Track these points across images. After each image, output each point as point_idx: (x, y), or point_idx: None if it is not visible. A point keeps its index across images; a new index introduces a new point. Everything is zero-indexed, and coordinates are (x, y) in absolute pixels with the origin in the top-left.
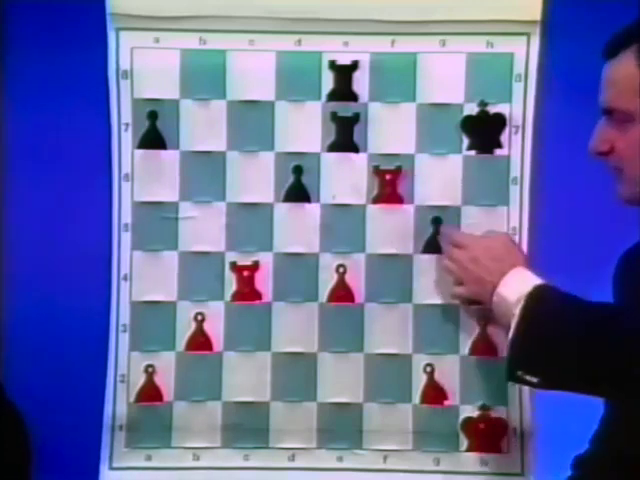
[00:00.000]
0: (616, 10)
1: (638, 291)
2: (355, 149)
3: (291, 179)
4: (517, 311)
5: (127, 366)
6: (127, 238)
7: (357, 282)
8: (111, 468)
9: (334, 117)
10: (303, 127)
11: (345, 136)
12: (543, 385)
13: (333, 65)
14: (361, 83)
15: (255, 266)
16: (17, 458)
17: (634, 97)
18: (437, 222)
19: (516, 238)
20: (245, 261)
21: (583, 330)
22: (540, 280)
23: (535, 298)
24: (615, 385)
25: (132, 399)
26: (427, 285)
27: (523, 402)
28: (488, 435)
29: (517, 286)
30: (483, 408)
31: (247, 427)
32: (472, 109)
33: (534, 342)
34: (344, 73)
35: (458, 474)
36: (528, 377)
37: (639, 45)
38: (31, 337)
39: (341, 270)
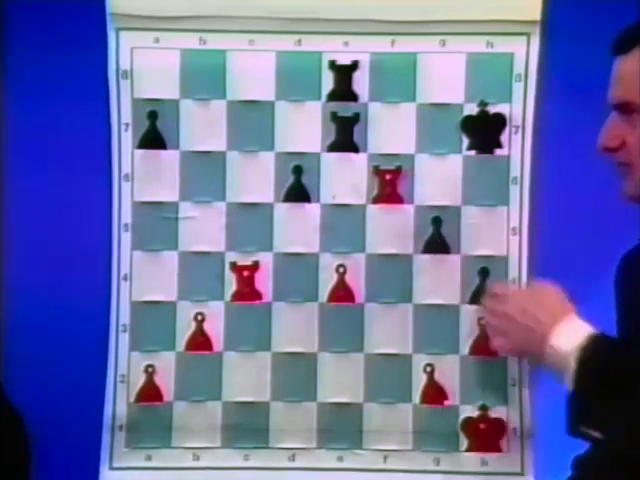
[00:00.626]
0: (616, 10)
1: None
2: (355, 149)
3: (291, 179)
4: (573, 363)
5: (127, 366)
6: (127, 238)
7: (357, 282)
8: (111, 468)
9: (334, 117)
10: (303, 127)
11: (345, 136)
12: (608, 443)
13: (333, 65)
14: (361, 83)
15: (255, 266)
16: (17, 458)
17: None
18: (437, 222)
19: (516, 238)
20: (245, 261)
21: None
22: (592, 329)
23: (590, 349)
24: None
25: (132, 399)
26: (427, 285)
27: (523, 402)
28: (488, 435)
29: (570, 336)
30: (483, 408)
31: (247, 427)
32: (472, 109)
33: (594, 396)
34: (344, 73)
35: (458, 474)
36: (591, 432)
37: None
38: (31, 337)
39: (341, 270)
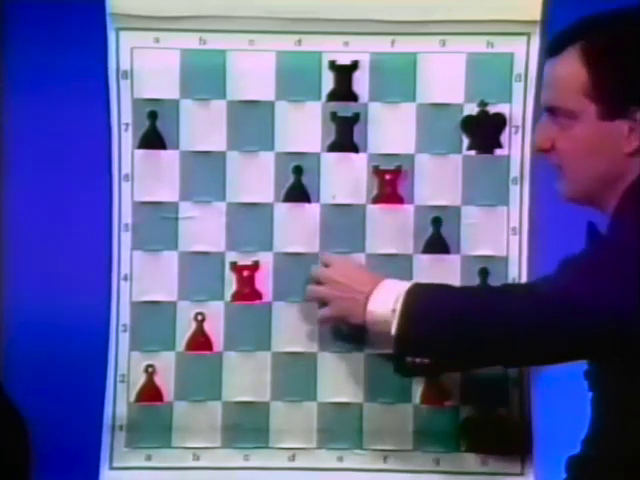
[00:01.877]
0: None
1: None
2: (355, 149)
3: (291, 179)
4: (399, 305)
5: (127, 366)
6: (127, 238)
7: None
8: (111, 468)
9: (334, 117)
10: (303, 127)
11: (345, 136)
12: (435, 368)
13: (333, 65)
14: (361, 83)
15: (255, 266)
16: (17, 458)
17: (577, 96)
18: (437, 222)
19: (516, 238)
20: (245, 261)
21: (469, 307)
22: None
23: (416, 291)
24: (504, 357)
25: (132, 399)
26: None
27: (523, 402)
28: (488, 435)
29: (392, 290)
30: (483, 408)
31: (247, 427)
32: (472, 109)
33: (418, 328)
34: (344, 73)
35: (458, 474)
36: (418, 360)
37: (583, 43)
38: (31, 337)
39: None
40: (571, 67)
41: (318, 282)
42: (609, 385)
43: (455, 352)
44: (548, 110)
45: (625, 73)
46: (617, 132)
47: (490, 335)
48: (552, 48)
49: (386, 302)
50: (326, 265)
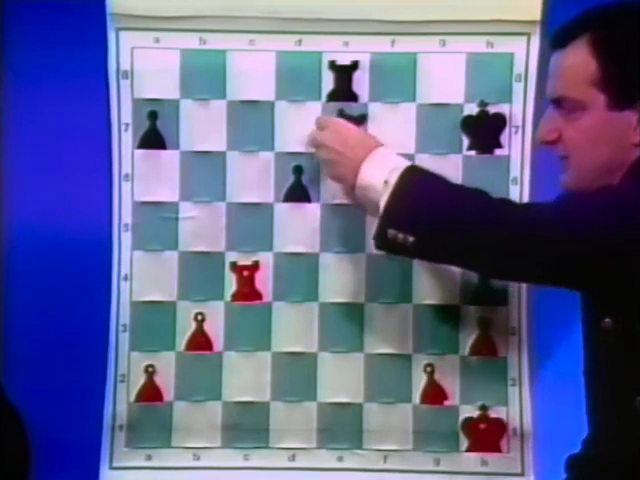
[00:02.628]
0: None
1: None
2: None
3: (291, 179)
4: (395, 179)
5: (127, 366)
6: (127, 238)
7: (358, 281)
8: (111, 468)
9: (341, 115)
10: (303, 127)
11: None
12: (416, 248)
13: (333, 65)
14: (361, 83)
15: (255, 266)
16: (17, 458)
17: (585, 86)
18: None
19: None
20: (245, 261)
21: (465, 201)
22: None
23: (414, 170)
24: (483, 262)
25: (132, 399)
26: (427, 285)
27: (523, 402)
28: (488, 435)
29: (385, 160)
30: (483, 408)
31: (247, 427)
32: (472, 109)
33: (411, 203)
34: (344, 73)
35: (458, 474)
36: (401, 235)
37: (592, 34)
38: (31, 337)
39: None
40: (580, 58)
41: (314, 144)
42: (608, 384)
43: (438, 242)
44: (554, 101)
45: (635, 64)
46: (626, 122)
47: (475, 234)
48: (558, 40)
49: (379, 172)
50: (321, 128)
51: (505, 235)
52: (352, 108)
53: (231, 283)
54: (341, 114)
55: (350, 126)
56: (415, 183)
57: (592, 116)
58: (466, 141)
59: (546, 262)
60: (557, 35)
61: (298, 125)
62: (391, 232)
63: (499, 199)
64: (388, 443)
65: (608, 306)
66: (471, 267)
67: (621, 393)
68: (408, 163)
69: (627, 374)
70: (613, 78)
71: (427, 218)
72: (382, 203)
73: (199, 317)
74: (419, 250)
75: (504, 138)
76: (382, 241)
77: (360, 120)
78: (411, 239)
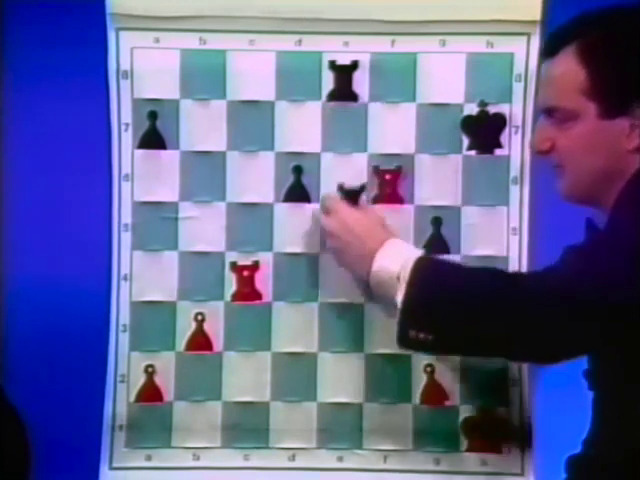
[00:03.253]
0: None
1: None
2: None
3: (291, 179)
4: (407, 273)
5: (127, 366)
6: (127, 238)
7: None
8: (111, 468)
9: (341, 191)
10: (303, 127)
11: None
12: (437, 345)
13: (333, 65)
14: (361, 83)
15: (255, 266)
16: (17, 458)
17: (576, 95)
18: (437, 222)
19: (516, 238)
20: (245, 261)
21: (477, 287)
22: (417, 250)
23: (424, 262)
24: (507, 347)
25: (132, 399)
26: None
27: (523, 402)
28: (488, 435)
29: (398, 253)
30: (483, 408)
31: (247, 427)
32: (472, 109)
33: (427, 300)
34: (344, 73)
35: (458, 474)
36: (422, 335)
37: (579, 42)
38: (31, 337)
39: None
40: (568, 67)
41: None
42: (609, 385)
43: (459, 333)
44: (546, 111)
45: (623, 70)
46: (618, 130)
47: (494, 322)
48: (548, 49)
49: (391, 266)
50: (328, 212)
51: (525, 317)
52: (352, 185)
53: (231, 283)
54: (341, 189)
55: (355, 214)
56: (427, 278)
57: (584, 125)
58: (466, 141)
59: (573, 331)
60: (547, 43)
61: (298, 125)
62: (412, 333)
63: (509, 278)
64: (388, 443)
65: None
66: (502, 354)
67: (624, 398)
68: (418, 254)
69: (627, 374)
70: (602, 86)
71: (444, 316)
72: (399, 302)
73: (199, 317)
74: (440, 347)
75: (504, 138)
76: (405, 341)
77: (361, 191)
78: (430, 337)
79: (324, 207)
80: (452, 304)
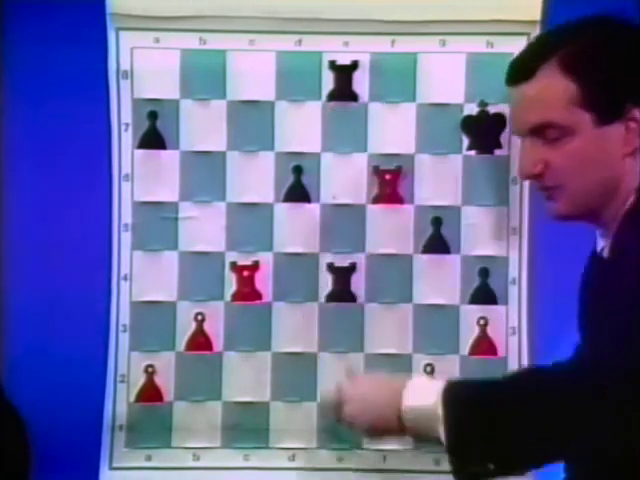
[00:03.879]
0: (615, 10)
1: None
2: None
3: (291, 179)
4: (440, 410)
5: (127, 366)
6: (127, 238)
7: (358, 282)
8: (111, 468)
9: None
10: (303, 127)
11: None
12: (499, 470)
13: (333, 65)
14: (361, 83)
15: (255, 266)
16: (17, 458)
17: (569, 109)
18: (437, 222)
19: (516, 238)
20: (245, 261)
21: (512, 402)
22: (440, 381)
23: (451, 390)
24: (568, 449)
25: (132, 399)
26: (427, 285)
27: None
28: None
29: (425, 390)
30: None
31: (247, 427)
32: (472, 109)
33: (474, 431)
34: (344, 73)
35: None
36: (481, 467)
37: (559, 57)
38: (31, 337)
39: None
40: (554, 82)
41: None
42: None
43: (513, 450)
44: (533, 132)
45: (611, 75)
46: (615, 135)
47: (541, 424)
48: (522, 73)
49: (421, 407)
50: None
51: (569, 406)
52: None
53: (231, 283)
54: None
55: (365, 386)
56: (461, 410)
57: (581, 137)
58: (466, 141)
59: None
60: (518, 69)
61: (298, 125)
62: (470, 468)
63: (542, 378)
64: (388, 443)
65: None
66: (562, 453)
67: None
68: (442, 386)
69: None
70: (596, 94)
71: (497, 441)
72: (442, 434)
73: (199, 317)
74: (505, 470)
75: (504, 138)
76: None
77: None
78: (492, 467)
79: (340, 400)
80: (495, 426)
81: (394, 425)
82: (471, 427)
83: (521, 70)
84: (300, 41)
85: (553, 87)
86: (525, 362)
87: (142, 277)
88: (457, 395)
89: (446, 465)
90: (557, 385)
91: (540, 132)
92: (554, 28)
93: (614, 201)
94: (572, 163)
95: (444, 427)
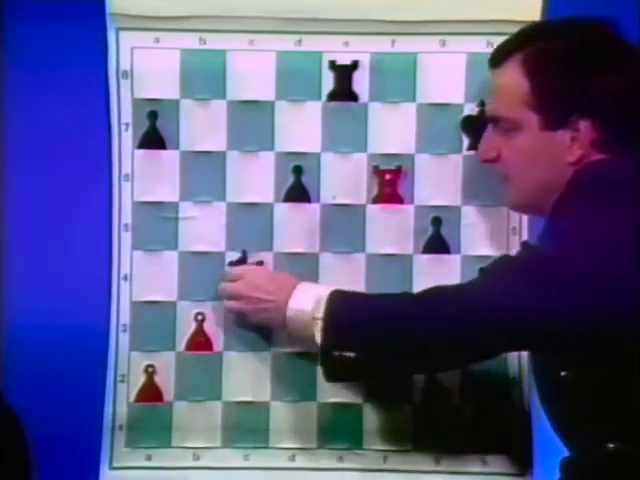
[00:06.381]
0: (615, 10)
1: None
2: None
3: (291, 179)
4: (322, 309)
5: (127, 366)
6: (127, 238)
7: (358, 282)
8: (111, 468)
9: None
10: (303, 127)
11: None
12: (359, 363)
13: (333, 65)
14: (361, 83)
15: None
16: (17, 458)
17: (519, 106)
18: (437, 222)
19: (516, 238)
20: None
21: (387, 306)
22: (326, 287)
23: (336, 295)
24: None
25: (132, 399)
26: (427, 285)
27: (523, 402)
28: (488, 435)
29: (309, 296)
30: (483, 407)
31: (247, 427)
32: (472, 109)
33: (345, 337)
34: (344, 73)
35: (458, 474)
36: (345, 354)
37: (524, 54)
38: (31, 337)
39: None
40: (513, 78)
41: (229, 297)
42: (574, 431)
43: (379, 358)
44: (492, 120)
45: (565, 83)
46: (560, 142)
47: (405, 342)
48: (494, 59)
49: (305, 309)
50: (233, 280)
51: (434, 327)
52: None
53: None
54: (231, 263)
55: (259, 272)
56: (341, 307)
57: (526, 136)
58: (466, 141)
59: (488, 340)
60: (493, 54)
61: (298, 125)
62: (335, 355)
63: (425, 291)
64: (388, 443)
65: (564, 359)
66: (421, 367)
67: (589, 440)
68: (328, 290)
69: (593, 426)
70: (544, 98)
71: (362, 347)
72: (319, 341)
73: (199, 317)
74: (364, 365)
75: None
76: (328, 364)
77: (245, 260)
78: (352, 355)
79: (230, 276)
80: (366, 326)
81: (277, 320)
82: (345, 331)
83: (494, 56)
84: (300, 41)
85: (510, 81)
86: (525, 362)
87: (142, 277)
88: (337, 299)
89: (446, 465)
90: (420, 304)
91: (495, 121)
92: (540, 22)
93: None
94: (518, 157)
95: (321, 330)
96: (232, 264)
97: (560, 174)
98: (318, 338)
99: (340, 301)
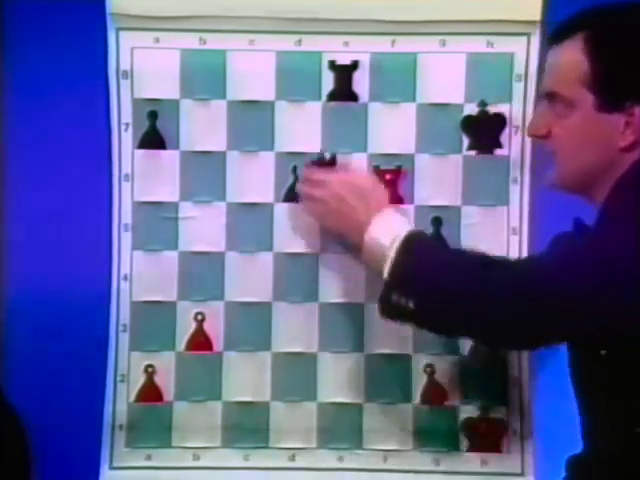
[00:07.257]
0: None
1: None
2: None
3: (291, 179)
4: (397, 245)
5: (127, 366)
6: (127, 238)
7: (358, 282)
8: (111, 468)
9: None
10: (303, 127)
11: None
12: (417, 314)
13: (333, 65)
14: (361, 83)
15: None
16: (17, 458)
17: (576, 85)
18: (437, 222)
19: (516, 238)
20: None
21: (461, 264)
22: (408, 223)
23: (415, 235)
24: (486, 329)
25: (132, 399)
26: None
27: (523, 402)
28: (488, 435)
29: (391, 226)
30: (483, 408)
31: (247, 427)
32: (472, 109)
33: (412, 268)
34: (344, 73)
35: (458, 474)
36: (403, 300)
37: (587, 33)
38: (31, 337)
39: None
40: (573, 55)
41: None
42: (605, 412)
43: (439, 305)
44: (547, 96)
45: (626, 67)
46: (613, 125)
47: (470, 305)
48: (555, 35)
49: (383, 242)
50: (315, 184)
51: (499, 305)
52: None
53: (231, 283)
54: (318, 160)
55: (346, 182)
56: (415, 249)
57: (580, 116)
58: (466, 141)
59: (543, 324)
60: (555, 31)
61: (298, 125)
62: (394, 297)
63: (495, 262)
64: (388, 443)
65: (604, 340)
66: (473, 335)
67: (620, 423)
68: (409, 228)
69: (625, 405)
70: (603, 79)
71: (426, 285)
72: (385, 271)
73: (199, 317)
74: (421, 316)
75: (504, 138)
76: (387, 306)
77: (332, 162)
78: (411, 304)
79: (312, 178)
80: (436, 276)
81: (354, 237)
82: (414, 265)
83: (556, 33)
84: (300, 41)
85: (571, 60)
86: (525, 362)
87: (142, 277)
88: (415, 239)
89: (446, 465)
90: (495, 273)
91: (550, 98)
92: (606, 3)
93: (606, 187)
94: (569, 137)
95: (392, 258)
96: (315, 164)
97: (609, 158)
98: (385, 273)
99: (414, 246)
